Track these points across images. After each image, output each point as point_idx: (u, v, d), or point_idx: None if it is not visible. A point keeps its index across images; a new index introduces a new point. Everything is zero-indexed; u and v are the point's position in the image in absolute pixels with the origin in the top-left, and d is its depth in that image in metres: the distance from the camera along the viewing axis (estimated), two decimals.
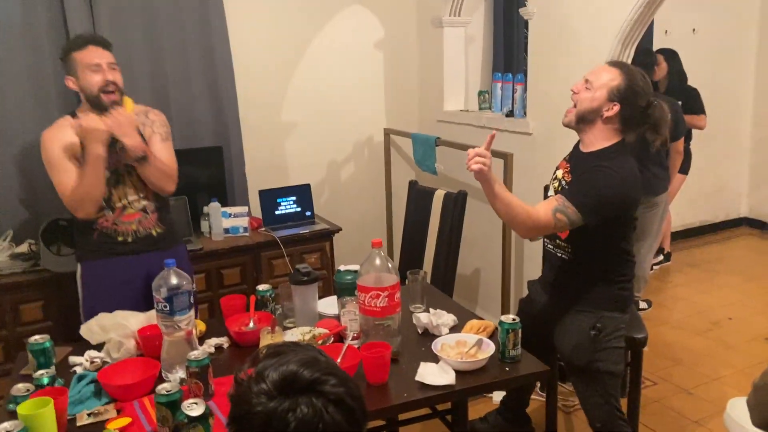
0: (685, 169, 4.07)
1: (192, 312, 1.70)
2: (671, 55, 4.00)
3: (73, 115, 2.23)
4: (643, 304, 3.84)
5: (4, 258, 2.76)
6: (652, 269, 4.42)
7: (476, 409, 2.63)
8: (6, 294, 2.67)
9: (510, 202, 1.85)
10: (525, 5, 3.04)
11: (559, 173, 2.11)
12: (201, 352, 1.57)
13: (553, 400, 2.65)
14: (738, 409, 2.04)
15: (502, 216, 1.91)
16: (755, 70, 5.26)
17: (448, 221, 2.86)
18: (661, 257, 4.57)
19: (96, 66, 2.14)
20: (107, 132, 2.08)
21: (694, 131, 4.21)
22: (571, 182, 1.99)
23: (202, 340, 1.91)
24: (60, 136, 2.15)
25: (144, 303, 2.10)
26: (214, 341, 1.90)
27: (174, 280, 1.65)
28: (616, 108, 1.90)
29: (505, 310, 3.11)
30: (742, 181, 5.48)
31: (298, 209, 3.44)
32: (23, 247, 2.83)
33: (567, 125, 2.00)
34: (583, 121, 1.95)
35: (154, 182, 2.23)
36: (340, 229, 3.36)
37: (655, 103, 1.92)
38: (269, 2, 3.53)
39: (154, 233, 2.30)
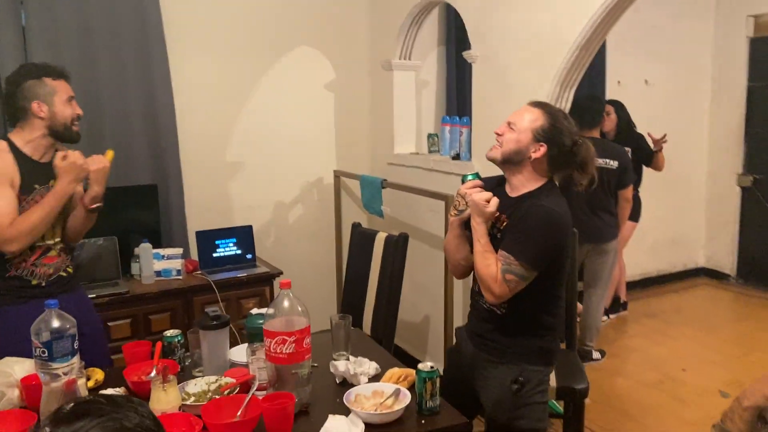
0: (635, 216, 4.05)
1: (76, 359, 1.55)
2: (619, 107, 4.03)
3: (6, 139, 2.11)
4: (596, 354, 3.74)
5: None
6: (607, 318, 4.35)
7: None
8: None
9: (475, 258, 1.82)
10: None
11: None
12: None
13: None
14: None
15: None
16: (708, 121, 5.35)
17: (389, 265, 2.75)
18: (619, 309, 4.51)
19: (71, 98, 2.14)
20: (87, 173, 2.09)
21: (652, 177, 4.21)
22: (507, 230, 1.88)
23: (98, 389, 1.75)
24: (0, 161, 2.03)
25: None
26: (109, 392, 1.73)
27: (56, 323, 1.51)
28: (543, 149, 1.84)
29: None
30: (700, 231, 5.49)
31: (239, 252, 3.30)
32: None
33: (491, 160, 1.91)
34: (510, 162, 1.88)
35: (80, 231, 2.23)
36: (281, 273, 3.23)
37: (580, 141, 1.86)
38: (215, 41, 3.47)
39: (64, 274, 2.17)
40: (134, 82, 3.18)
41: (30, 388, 1.62)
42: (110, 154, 2.24)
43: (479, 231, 1.83)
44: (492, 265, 1.77)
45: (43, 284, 2.10)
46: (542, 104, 1.90)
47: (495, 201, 1.84)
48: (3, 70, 2.85)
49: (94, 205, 2.15)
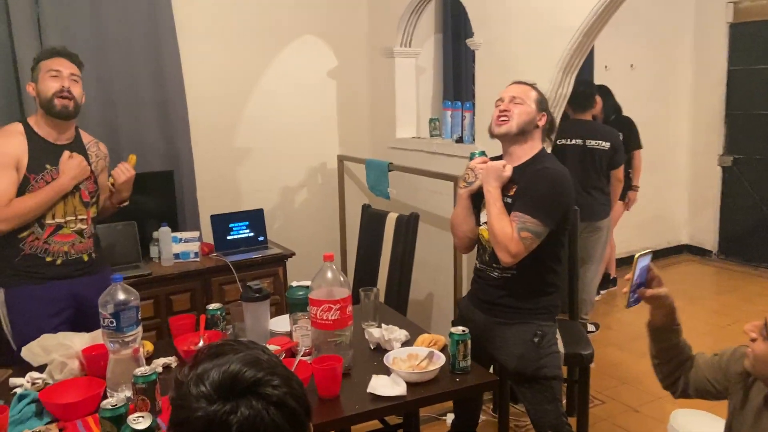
0: (622, 196, 4.24)
1: (139, 328, 1.67)
2: (605, 92, 4.20)
3: (25, 123, 2.21)
4: (591, 327, 3.93)
5: None
6: (599, 294, 4.55)
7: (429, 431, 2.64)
8: None
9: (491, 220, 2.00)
10: (472, 36, 3.17)
11: None
12: (149, 368, 1.54)
13: (504, 420, 2.68)
14: (679, 419, 2.13)
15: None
16: (690, 102, 5.57)
17: (401, 244, 2.89)
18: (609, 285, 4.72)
19: (56, 71, 2.17)
20: (88, 175, 2.25)
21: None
22: (516, 195, 2.05)
23: (149, 360, 1.87)
24: (6, 141, 2.14)
25: (72, 329, 2.06)
26: (162, 361, 1.86)
27: (121, 296, 1.63)
28: (545, 117, 2.10)
29: None
30: (682, 209, 5.74)
31: (251, 234, 3.42)
32: None
33: (506, 133, 2.07)
34: (522, 133, 2.07)
35: (106, 216, 2.48)
36: (294, 254, 3.35)
37: (550, 110, 2.16)
38: (223, 30, 3.57)
39: (85, 258, 2.27)
40: (146, 71, 3.26)
41: (91, 358, 1.74)
42: (133, 159, 2.38)
43: (494, 195, 2.01)
44: (507, 226, 1.95)
45: (59, 262, 2.19)
46: (526, 82, 2.16)
47: (510, 166, 2.05)
48: (19, 60, 2.93)
49: (120, 201, 2.41)
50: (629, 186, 4.20)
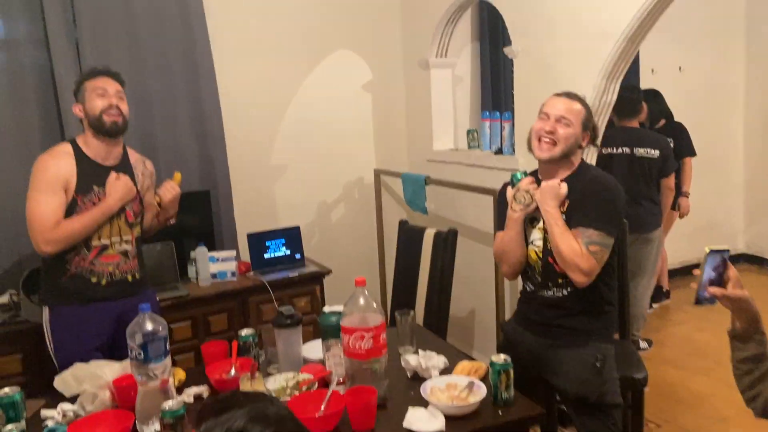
0: (673, 205, 4.04)
1: (168, 360, 1.63)
2: (655, 96, 4.02)
3: (73, 142, 2.22)
4: (643, 344, 3.75)
5: None
6: (651, 308, 4.34)
7: None
8: None
9: (556, 240, 1.91)
10: (509, 44, 3.06)
11: (538, 214, 2.06)
12: (176, 402, 1.49)
13: None
14: None
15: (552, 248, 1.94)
16: (743, 105, 5.30)
17: (439, 261, 2.80)
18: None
19: (102, 90, 2.18)
20: (134, 196, 2.24)
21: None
22: (571, 210, 1.96)
23: (181, 389, 1.83)
24: (56, 163, 2.14)
25: (111, 351, 2.07)
26: (193, 390, 1.81)
27: (149, 326, 1.58)
28: (588, 136, 2.03)
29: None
30: (738, 216, 5.46)
31: (288, 252, 3.38)
32: (4, 298, 2.76)
33: (548, 159, 2.00)
34: (565, 156, 1.99)
35: (152, 234, 2.48)
36: (330, 272, 3.30)
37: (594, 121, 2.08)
38: (258, 47, 3.55)
39: (129, 278, 2.26)
40: (182, 91, 3.27)
41: (122, 389, 1.71)
42: (178, 177, 2.37)
43: (555, 214, 1.92)
44: (574, 243, 1.87)
45: (103, 283, 2.19)
46: (575, 94, 2.06)
47: (564, 184, 1.95)
48: (59, 83, 2.96)
49: (169, 222, 2.42)
50: (680, 193, 4.00)
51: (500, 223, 2.20)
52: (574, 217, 1.92)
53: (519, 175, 2.08)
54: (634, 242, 3.58)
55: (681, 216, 4.13)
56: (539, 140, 2.00)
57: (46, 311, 2.21)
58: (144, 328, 1.58)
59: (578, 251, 1.86)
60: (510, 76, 4.09)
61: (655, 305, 4.42)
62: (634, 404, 2.46)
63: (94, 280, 2.18)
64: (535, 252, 2.05)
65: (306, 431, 0.83)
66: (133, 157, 2.38)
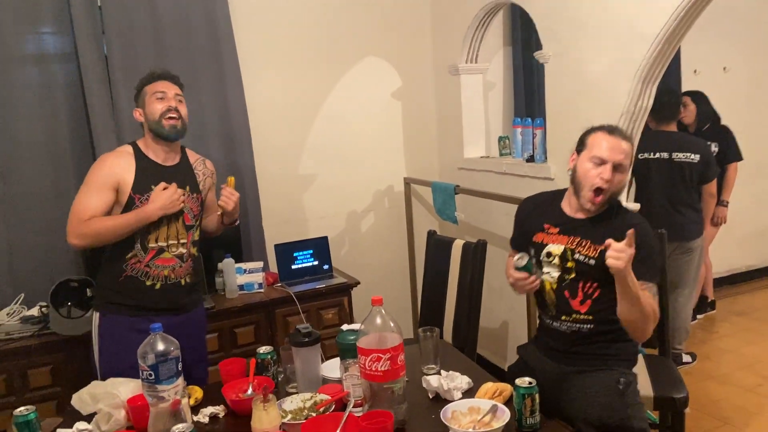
0: None
1: (180, 380, 1.59)
2: (700, 99, 3.84)
3: (134, 144, 2.22)
4: (686, 358, 3.58)
5: (14, 322, 2.72)
6: (695, 319, 4.16)
7: None
8: (14, 359, 2.59)
9: (642, 302, 1.78)
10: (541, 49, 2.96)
11: (555, 249, 1.97)
12: (186, 425, 1.45)
13: None
14: None
15: (627, 316, 1.81)
16: None
17: (468, 273, 2.72)
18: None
19: (161, 93, 2.19)
20: (178, 209, 2.18)
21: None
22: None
23: (197, 408, 1.79)
24: (113, 161, 2.15)
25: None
26: (209, 410, 1.78)
27: (161, 347, 1.55)
28: (629, 174, 2.02)
29: None
30: None
31: (316, 263, 3.34)
32: (34, 310, 2.79)
33: (597, 209, 1.94)
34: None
35: (217, 234, 2.51)
36: (359, 283, 3.24)
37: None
38: (285, 56, 3.53)
39: (183, 282, 2.24)
40: (211, 102, 3.26)
41: (136, 409, 1.68)
42: (232, 181, 2.35)
43: (635, 280, 1.75)
44: (653, 302, 1.83)
45: (158, 287, 2.17)
46: (621, 132, 1.94)
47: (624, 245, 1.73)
48: (89, 95, 2.99)
49: (234, 224, 2.45)
50: (718, 201, 3.80)
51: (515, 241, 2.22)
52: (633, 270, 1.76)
53: (525, 265, 1.88)
54: (674, 251, 3.43)
55: (715, 225, 3.91)
56: (594, 191, 1.88)
57: (96, 317, 2.21)
58: (156, 348, 1.55)
59: (656, 309, 1.84)
60: (542, 82, 3.99)
61: (699, 316, 4.23)
62: (673, 426, 2.34)
63: (148, 283, 2.17)
64: (550, 284, 1.99)
65: None
66: (193, 157, 2.38)
